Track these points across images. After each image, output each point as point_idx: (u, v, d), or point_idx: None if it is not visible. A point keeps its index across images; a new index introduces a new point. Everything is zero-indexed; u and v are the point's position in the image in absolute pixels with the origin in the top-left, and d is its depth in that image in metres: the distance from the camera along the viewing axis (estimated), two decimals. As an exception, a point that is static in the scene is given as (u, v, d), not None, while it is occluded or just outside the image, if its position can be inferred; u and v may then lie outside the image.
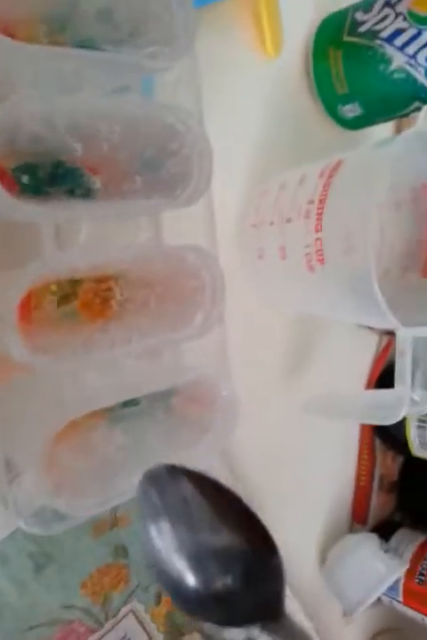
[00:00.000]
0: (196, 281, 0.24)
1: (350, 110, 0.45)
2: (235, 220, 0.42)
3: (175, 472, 0.21)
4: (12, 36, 0.22)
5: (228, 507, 0.23)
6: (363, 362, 0.53)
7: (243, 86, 0.42)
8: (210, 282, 0.24)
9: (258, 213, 0.41)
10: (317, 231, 0.35)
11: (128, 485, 0.23)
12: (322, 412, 0.43)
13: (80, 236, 0.23)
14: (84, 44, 0.24)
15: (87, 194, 0.24)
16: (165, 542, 0.22)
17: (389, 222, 0.44)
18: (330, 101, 0.45)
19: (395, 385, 0.40)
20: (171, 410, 0.24)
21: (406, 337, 0.38)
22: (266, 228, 0.39)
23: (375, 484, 0.57)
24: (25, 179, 0.23)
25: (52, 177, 0.24)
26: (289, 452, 0.48)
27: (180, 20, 0.22)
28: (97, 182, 0.25)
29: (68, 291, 0.25)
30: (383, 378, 0.54)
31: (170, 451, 0.24)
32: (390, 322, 0.35)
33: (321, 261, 0.35)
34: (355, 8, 0.43)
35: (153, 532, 0.22)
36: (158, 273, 0.24)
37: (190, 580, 0.22)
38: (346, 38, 0.42)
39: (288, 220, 0.37)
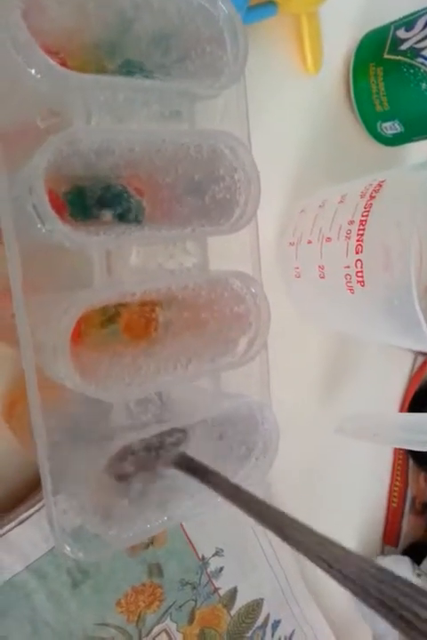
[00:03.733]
0: (240, 307, 0.24)
1: (390, 128, 0.45)
2: (273, 237, 0.42)
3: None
4: (64, 62, 0.22)
5: None
6: (397, 381, 0.52)
7: (282, 103, 0.42)
8: (254, 309, 0.24)
9: (296, 232, 0.40)
10: (357, 253, 0.35)
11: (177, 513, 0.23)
12: (355, 434, 0.43)
13: (131, 259, 0.23)
14: (133, 69, 0.24)
15: (134, 217, 0.25)
16: None
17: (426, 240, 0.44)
18: (370, 118, 0.45)
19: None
20: (215, 436, 0.24)
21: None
22: (304, 247, 0.39)
23: (407, 506, 0.56)
24: (75, 202, 0.23)
25: (100, 200, 0.24)
26: (321, 470, 0.47)
27: (231, 48, 0.22)
28: (144, 204, 0.25)
29: (113, 312, 0.25)
30: (418, 398, 0.53)
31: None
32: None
33: (361, 283, 0.35)
34: (396, 26, 0.42)
35: None
36: (203, 297, 0.24)
37: None
38: (387, 56, 0.42)
39: (328, 240, 0.37)
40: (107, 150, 0.20)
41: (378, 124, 0.45)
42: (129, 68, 0.24)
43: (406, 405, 0.52)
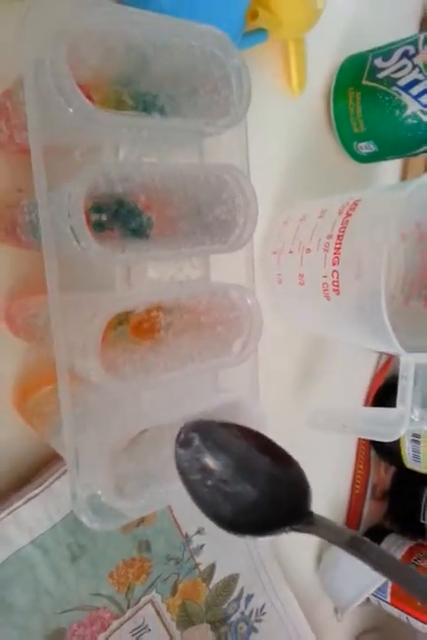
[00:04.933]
0: (236, 313, 0.27)
1: (365, 147, 0.49)
2: (257, 244, 0.45)
3: (208, 423, 0.26)
4: (89, 95, 0.25)
5: (255, 442, 0.28)
6: (363, 378, 0.57)
7: (268, 120, 0.45)
8: (248, 316, 0.28)
9: (279, 241, 0.44)
10: (334, 264, 0.39)
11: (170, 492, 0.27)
12: (325, 426, 0.47)
13: (148, 272, 0.27)
14: (148, 101, 0.27)
15: (144, 232, 0.28)
16: (206, 472, 0.26)
17: (395, 252, 0.48)
18: (347, 138, 0.49)
19: (397, 405, 0.44)
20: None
21: (408, 363, 0.42)
22: (286, 256, 0.43)
23: (369, 492, 0.61)
24: (95, 218, 0.26)
25: (115, 215, 0.27)
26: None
27: (236, 90, 0.25)
28: (152, 220, 0.28)
29: (123, 316, 0.28)
30: (382, 393, 0.57)
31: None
32: (395, 348, 0.39)
33: (337, 291, 0.39)
34: (375, 54, 0.46)
35: (196, 467, 0.26)
36: (203, 305, 0.28)
37: (226, 504, 0.26)
38: (365, 82, 0.46)
39: (308, 251, 0.41)
40: (129, 178, 0.23)
41: (354, 143, 0.49)
42: (145, 101, 0.27)
43: (371, 399, 0.57)
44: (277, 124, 0.46)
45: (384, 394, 0.58)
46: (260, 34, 0.40)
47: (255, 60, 0.43)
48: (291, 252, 0.42)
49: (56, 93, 0.20)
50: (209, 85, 0.26)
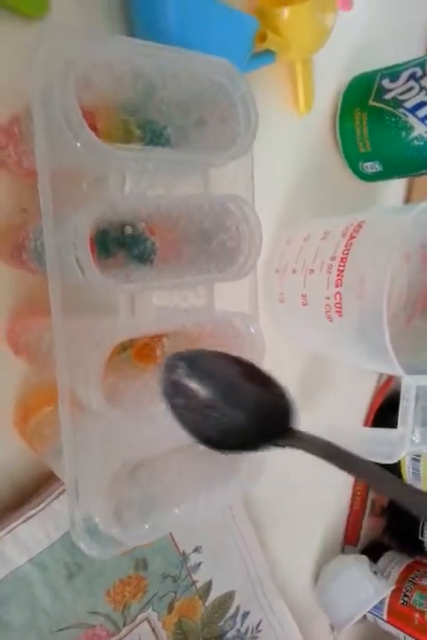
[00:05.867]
0: (239, 340, 0.28)
1: (371, 167, 0.49)
2: (260, 262, 0.45)
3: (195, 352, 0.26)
4: (94, 125, 0.25)
5: (240, 368, 0.27)
6: (365, 395, 0.57)
7: (274, 139, 0.45)
8: (250, 342, 0.28)
9: (282, 260, 0.44)
10: (337, 286, 0.39)
11: (169, 518, 0.27)
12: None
13: (152, 300, 0.27)
14: (156, 131, 0.27)
15: (149, 257, 0.28)
16: (191, 396, 0.25)
17: (398, 272, 0.48)
18: (353, 157, 0.49)
19: (398, 426, 0.44)
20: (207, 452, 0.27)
21: (410, 385, 0.42)
22: (289, 276, 0.43)
23: (368, 508, 0.61)
24: (99, 243, 0.26)
25: (120, 241, 0.27)
26: (290, 476, 0.51)
27: (243, 121, 0.25)
28: (157, 245, 0.28)
29: (127, 343, 0.28)
30: (383, 411, 0.57)
31: (204, 487, 0.28)
32: (396, 370, 0.39)
33: (339, 313, 0.39)
34: (382, 75, 0.46)
35: (182, 390, 0.25)
36: (207, 331, 0.28)
37: (213, 427, 0.26)
38: (372, 103, 0.46)
39: (311, 272, 0.41)
40: (134, 209, 0.23)
41: (360, 163, 0.49)
42: (152, 130, 0.27)
43: (372, 417, 0.57)
44: (282, 143, 0.46)
45: (385, 412, 0.57)
46: (268, 56, 0.40)
47: (262, 80, 0.43)
48: (294, 272, 0.42)
49: (64, 126, 0.20)
50: (216, 115, 0.26)
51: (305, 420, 0.49)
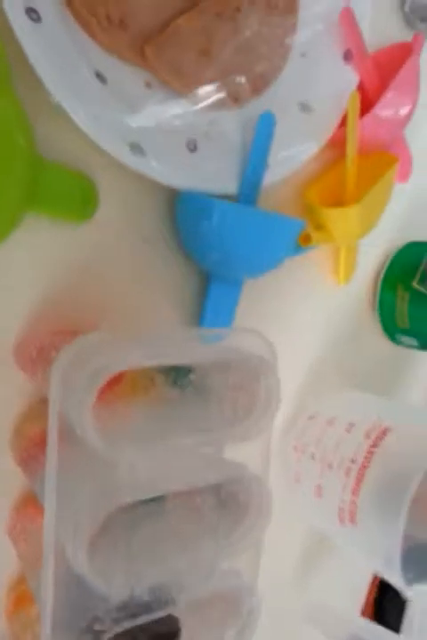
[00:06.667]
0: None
1: (407, 341, 0.47)
2: (279, 429, 0.44)
3: None
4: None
5: None
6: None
7: (310, 306, 0.44)
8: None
9: (302, 437, 0.43)
10: (353, 494, 0.37)
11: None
12: (321, 630, 0.45)
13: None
14: (179, 373, 0.27)
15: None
16: None
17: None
18: (390, 327, 0.47)
19: (401, 633, 0.42)
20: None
21: (416, 600, 0.40)
22: (307, 460, 0.42)
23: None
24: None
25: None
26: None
27: (264, 405, 0.25)
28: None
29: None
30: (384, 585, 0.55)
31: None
32: (403, 591, 0.37)
33: (352, 521, 0.38)
34: (429, 259, 0.45)
35: None
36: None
37: None
38: (416, 285, 0.45)
39: (330, 466, 0.40)
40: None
41: (397, 334, 0.47)
42: (176, 373, 0.26)
43: (374, 590, 0.55)
44: (319, 311, 0.45)
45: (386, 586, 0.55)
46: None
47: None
48: (313, 458, 0.41)
49: (74, 421, 0.20)
50: (239, 383, 0.26)
51: (304, 590, 0.48)
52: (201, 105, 0.31)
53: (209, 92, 0.32)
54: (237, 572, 0.27)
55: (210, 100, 0.32)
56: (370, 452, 0.38)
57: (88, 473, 0.23)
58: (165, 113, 0.31)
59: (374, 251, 0.47)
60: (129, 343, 0.24)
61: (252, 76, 0.34)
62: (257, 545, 0.27)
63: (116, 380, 0.26)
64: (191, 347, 0.24)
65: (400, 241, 0.48)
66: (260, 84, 0.35)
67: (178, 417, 0.26)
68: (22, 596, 0.31)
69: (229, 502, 0.27)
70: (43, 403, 0.31)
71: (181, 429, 0.25)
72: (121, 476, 0.23)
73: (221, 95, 0.33)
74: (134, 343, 0.24)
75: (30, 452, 0.27)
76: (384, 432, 0.38)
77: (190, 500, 0.27)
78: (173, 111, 0.31)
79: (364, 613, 0.53)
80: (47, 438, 0.22)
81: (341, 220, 0.38)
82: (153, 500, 0.27)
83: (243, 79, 0.34)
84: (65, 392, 0.22)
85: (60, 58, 0.27)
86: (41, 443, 0.27)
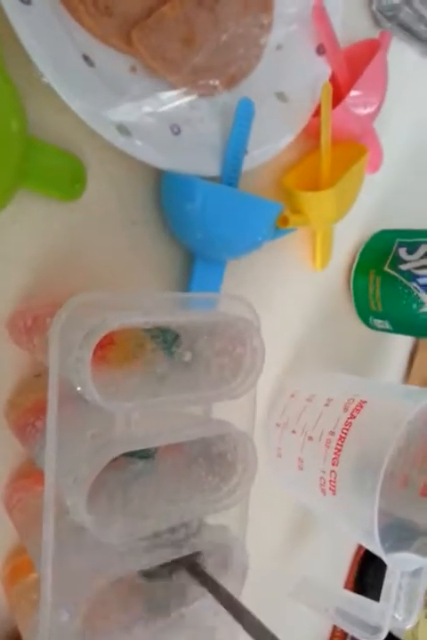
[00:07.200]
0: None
1: (380, 324, 0.50)
2: (262, 407, 0.46)
3: None
4: (111, 339, 0.26)
5: None
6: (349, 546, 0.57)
7: (288, 291, 0.46)
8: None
9: (284, 414, 0.45)
10: (333, 464, 0.39)
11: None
12: (307, 604, 0.47)
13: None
14: (168, 339, 0.28)
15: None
16: None
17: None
18: (364, 311, 0.50)
19: (381, 600, 0.44)
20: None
21: (394, 570, 0.42)
22: (289, 435, 0.43)
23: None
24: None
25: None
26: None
27: (249, 367, 0.26)
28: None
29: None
30: (368, 557, 0.57)
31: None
32: (382, 556, 0.39)
33: (332, 491, 0.39)
34: (400, 243, 0.47)
35: None
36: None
37: None
38: (387, 269, 0.47)
39: (310, 439, 0.42)
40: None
41: (371, 318, 0.50)
42: (165, 340, 0.28)
43: (358, 562, 0.57)
44: (297, 296, 0.47)
45: (370, 558, 0.57)
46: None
47: (280, 239, 0.44)
48: (294, 433, 0.43)
49: (73, 379, 0.21)
50: (227, 345, 0.27)
51: (291, 566, 0.49)
52: (183, 90, 0.33)
53: (191, 80, 0.34)
54: (225, 528, 0.29)
55: (192, 87, 0.34)
56: (348, 423, 0.40)
57: (86, 428, 0.25)
58: (149, 97, 0.32)
59: (348, 239, 0.49)
60: (123, 301, 0.25)
61: (231, 68, 0.36)
62: (244, 501, 0.29)
63: (108, 343, 0.27)
64: (182, 309, 0.26)
65: (372, 229, 0.50)
66: (237, 75, 0.37)
67: (167, 380, 0.28)
68: (19, 567, 0.32)
69: (217, 461, 0.29)
70: (37, 377, 0.32)
71: (170, 390, 0.27)
72: (118, 429, 0.24)
73: (202, 83, 0.35)
74: (128, 301, 0.25)
75: (28, 419, 0.28)
76: (361, 405, 0.40)
77: (180, 458, 0.28)
78: (156, 96, 0.33)
79: (346, 586, 0.55)
80: (47, 396, 0.23)
81: (316, 203, 0.40)
82: (145, 458, 0.28)
83: (223, 70, 0.36)
84: (62, 353, 0.24)
85: (49, 40, 0.28)
86: (37, 410, 0.29)
